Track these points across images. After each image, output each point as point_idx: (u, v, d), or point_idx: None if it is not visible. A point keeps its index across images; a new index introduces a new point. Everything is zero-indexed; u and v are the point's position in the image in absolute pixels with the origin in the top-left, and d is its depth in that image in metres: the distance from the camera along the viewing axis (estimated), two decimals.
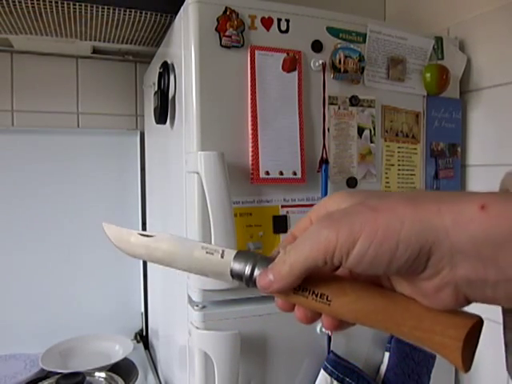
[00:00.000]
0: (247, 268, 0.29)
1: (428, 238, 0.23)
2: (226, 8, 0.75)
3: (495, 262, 0.22)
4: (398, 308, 0.26)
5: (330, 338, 0.81)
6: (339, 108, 0.85)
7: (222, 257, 0.31)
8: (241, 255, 0.30)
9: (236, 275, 0.30)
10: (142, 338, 1.29)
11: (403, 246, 0.23)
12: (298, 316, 0.29)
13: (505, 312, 0.24)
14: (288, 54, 0.79)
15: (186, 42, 0.77)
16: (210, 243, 0.71)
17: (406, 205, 0.24)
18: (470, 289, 0.24)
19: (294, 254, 0.27)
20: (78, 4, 0.87)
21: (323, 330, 0.81)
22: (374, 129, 0.89)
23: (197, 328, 0.74)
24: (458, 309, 0.26)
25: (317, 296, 0.27)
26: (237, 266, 0.30)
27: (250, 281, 0.29)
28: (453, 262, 0.24)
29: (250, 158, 0.76)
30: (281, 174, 0.78)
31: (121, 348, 1.14)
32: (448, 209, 0.23)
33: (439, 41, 0.98)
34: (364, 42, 0.87)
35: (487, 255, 0.22)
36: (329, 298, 0.27)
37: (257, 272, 0.29)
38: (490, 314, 0.33)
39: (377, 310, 0.26)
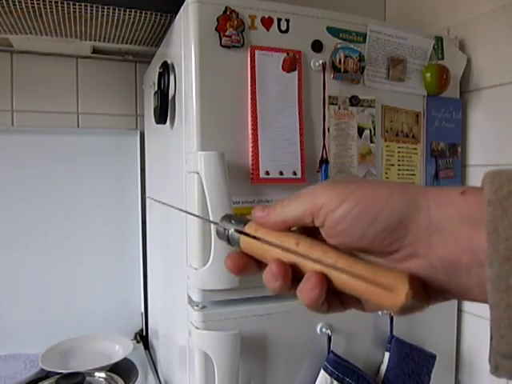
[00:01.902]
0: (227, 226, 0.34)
1: (411, 212, 0.25)
2: (226, 8, 0.75)
3: (469, 244, 0.24)
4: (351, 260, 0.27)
5: (330, 338, 0.81)
6: (339, 108, 0.85)
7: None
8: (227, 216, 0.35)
9: (219, 234, 0.34)
10: (142, 337, 1.29)
11: (386, 213, 0.25)
12: (229, 264, 0.32)
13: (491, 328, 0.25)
14: (288, 53, 0.79)
15: (186, 42, 0.77)
16: (210, 244, 0.71)
17: (397, 185, 0.27)
18: (446, 275, 0.25)
19: (289, 205, 0.29)
20: (77, 4, 0.87)
21: (323, 329, 0.82)
22: (374, 129, 0.89)
23: (197, 328, 0.74)
24: (430, 304, 0.27)
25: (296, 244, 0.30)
26: (218, 228, 0.34)
27: (229, 237, 0.33)
28: (429, 242, 0.25)
29: (250, 158, 0.76)
30: (281, 174, 0.78)
31: (121, 348, 1.14)
32: (433, 192, 0.26)
33: (439, 41, 0.98)
34: (364, 41, 0.87)
35: (462, 236, 0.24)
36: (299, 244, 0.29)
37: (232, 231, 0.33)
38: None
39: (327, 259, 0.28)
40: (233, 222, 0.34)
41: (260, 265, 0.32)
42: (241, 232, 0.32)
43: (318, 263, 0.27)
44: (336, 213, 0.27)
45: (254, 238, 0.31)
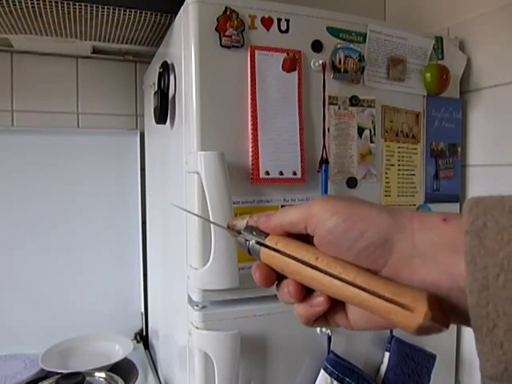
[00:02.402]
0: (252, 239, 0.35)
1: (396, 233, 0.27)
2: (226, 8, 0.75)
3: (449, 269, 0.25)
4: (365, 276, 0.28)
5: (330, 338, 0.81)
6: (339, 108, 0.85)
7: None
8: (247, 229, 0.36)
9: (241, 242, 0.36)
10: (142, 337, 1.29)
11: (373, 230, 0.27)
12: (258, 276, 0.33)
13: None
14: (288, 53, 0.79)
15: (186, 42, 0.77)
16: (210, 244, 0.71)
17: (386, 207, 0.29)
18: None
19: (287, 211, 0.32)
20: (77, 4, 0.87)
21: (323, 329, 0.81)
22: (374, 129, 0.89)
23: (197, 328, 0.74)
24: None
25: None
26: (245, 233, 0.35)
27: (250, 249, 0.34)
28: (412, 264, 0.27)
29: (250, 158, 0.76)
30: (281, 173, 0.78)
31: (121, 348, 1.14)
32: (418, 217, 0.27)
33: (439, 41, 0.98)
34: (364, 41, 0.87)
35: (442, 261, 0.26)
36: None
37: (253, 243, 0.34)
38: None
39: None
40: (254, 233, 0.34)
41: (278, 276, 0.33)
42: (262, 244, 0.33)
43: (337, 279, 0.28)
44: (326, 224, 0.29)
45: (275, 250, 0.32)
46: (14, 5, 0.87)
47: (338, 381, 0.79)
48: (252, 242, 0.34)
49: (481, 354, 0.23)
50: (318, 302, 0.30)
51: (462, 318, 0.25)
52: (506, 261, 0.22)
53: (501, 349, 0.22)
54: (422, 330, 0.24)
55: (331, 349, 0.81)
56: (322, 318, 0.32)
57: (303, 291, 0.31)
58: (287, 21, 0.80)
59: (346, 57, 0.83)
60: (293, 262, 0.30)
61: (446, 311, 0.26)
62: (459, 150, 1.02)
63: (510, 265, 0.22)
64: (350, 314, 0.31)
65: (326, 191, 0.81)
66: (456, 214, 0.27)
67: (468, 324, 0.25)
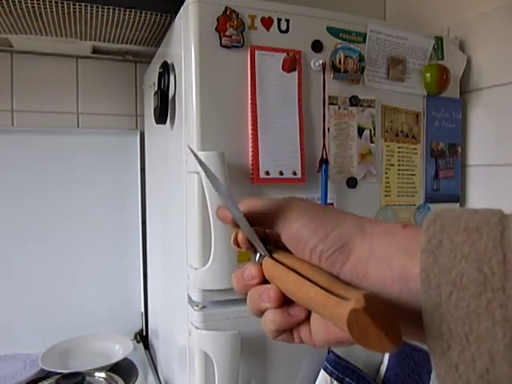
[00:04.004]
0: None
1: (356, 237, 0.28)
2: (226, 8, 0.75)
3: (402, 271, 0.25)
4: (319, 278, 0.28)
5: None
6: (339, 108, 0.85)
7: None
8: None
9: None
10: (142, 337, 1.29)
11: (337, 232, 0.28)
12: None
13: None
14: (288, 54, 0.79)
15: (186, 42, 0.77)
16: (210, 244, 0.71)
17: (353, 214, 0.30)
18: None
19: (264, 200, 0.33)
20: (77, 4, 0.87)
21: None
22: (374, 129, 0.89)
23: (197, 328, 0.74)
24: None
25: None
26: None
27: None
28: (367, 267, 0.27)
29: (250, 158, 0.76)
30: (281, 173, 0.78)
31: (121, 348, 1.14)
32: (380, 224, 0.29)
33: (439, 41, 0.98)
34: (364, 41, 0.87)
35: (396, 263, 0.26)
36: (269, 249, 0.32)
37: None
38: None
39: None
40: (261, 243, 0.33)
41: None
42: (270, 256, 0.32)
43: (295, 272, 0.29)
44: (295, 223, 0.30)
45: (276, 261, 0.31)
46: (14, 5, 0.87)
47: (338, 381, 0.79)
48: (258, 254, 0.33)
49: (437, 376, 0.22)
50: (299, 311, 0.30)
51: (416, 329, 0.24)
52: (459, 278, 0.22)
53: (456, 372, 0.21)
54: (353, 321, 0.23)
55: (331, 349, 0.81)
56: (288, 332, 0.31)
57: (283, 298, 0.30)
58: (287, 21, 0.80)
59: (345, 57, 0.83)
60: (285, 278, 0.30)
61: (392, 326, 0.23)
62: (459, 150, 1.02)
63: (462, 282, 0.22)
64: (313, 327, 0.30)
65: (325, 191, 0.81)
66: (415, 224, 0.28)
67: (422, 338, 0.24)
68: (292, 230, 0.30)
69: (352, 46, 0.85)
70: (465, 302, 0.21)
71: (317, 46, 0.82)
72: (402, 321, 0.24)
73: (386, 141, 0.91)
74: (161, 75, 0.88)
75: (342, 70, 0.83)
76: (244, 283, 0.32)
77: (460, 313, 0.22)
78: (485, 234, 0.22)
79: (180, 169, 0.82)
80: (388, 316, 0.23)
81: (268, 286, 0.31)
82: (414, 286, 0.24)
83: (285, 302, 0.30)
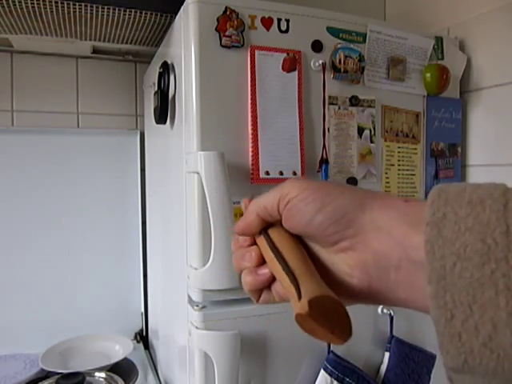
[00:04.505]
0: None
1: (356, 209, 0.28)
2: (226, 8, 0.75)
3: (402, 240, 0.26)
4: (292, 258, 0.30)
5: None
6: (339, 108, 0.85)
7: None
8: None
9: None
10: (142, 337, 1.29)
11: (334, 205, 0.29)
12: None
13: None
14: (288, 54, 0.79)
15: (186, 42, 0.77)
16: (210, 244, 0.71)
17: (351, 187, 0.31)
18: (376, 269, 0.28)
19: (264, 196, 0.33)
20: (77, 4, 0.87)
21: None
22: (374, 129, 0.89)
23: (197, 328, 0.74)
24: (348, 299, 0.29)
25: (266, 233, 0.33)
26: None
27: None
28: (367, 237, 0.28)
29: (250, 158, 0.76)
30: (281, 173, 0.78)
31: (121, 348, 1.14)
32: (381, 197, 0.29)
33: (439, 41, 0.98)
34: (364, 41, 0.87)
35: (397, 233, 0.26)
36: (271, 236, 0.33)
37: None
38: None
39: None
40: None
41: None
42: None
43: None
44: (296, 198, 0.30)
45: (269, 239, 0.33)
46: (14, 5, 0.87)
47: (338, 381, 0.79)
48: None
49: (441, 346, 0.23)
50: (265, 270, 0.33)
51: (414, 297, 0.26)
52: (463, 249, 0.22)
53: (459, 340, 0.22)
54: (299, 321, 0.26)
55: (331, 349, 0.81)
56: (268, 290, 0.34)
57: (261, 261, 0.33)
58: (287, 21, 0.80)
59: (346, 57, 0.83)
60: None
61: (340, 323, 0.27)
62: (459, 150, 1.02)
63: (465, 254, 0.22)
64: None
65: None
66: (420, 200, 0.28)
67: (403, 303, 0.26)
68: (293, 204, 0.30)
69: (352, 45, 0.85)
70: (468, 273, 0.22)
71: (317, 46, 0.82)
72: (401, 290, 0.27)
73: (386, 141, 0.91)
74: (161, 75, 0.88)
75: (342, 70, 0.83)
76: (238, 245, 0.36)
77: (463, 283, 0.22)
78: (488, 206, 0.23)
79: (180, 169, 0.82)
80: (336, 315, 0.26)
81: (252, 247, 0.34)
82: (415, 255, 0.25)
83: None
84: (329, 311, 0.26)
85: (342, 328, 0.27)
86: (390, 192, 0.92)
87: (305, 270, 0.29)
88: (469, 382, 0.23)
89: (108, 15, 0.93)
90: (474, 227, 0.22)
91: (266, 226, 0.34)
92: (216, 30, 0.74)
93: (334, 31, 0.84)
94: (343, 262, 0.29)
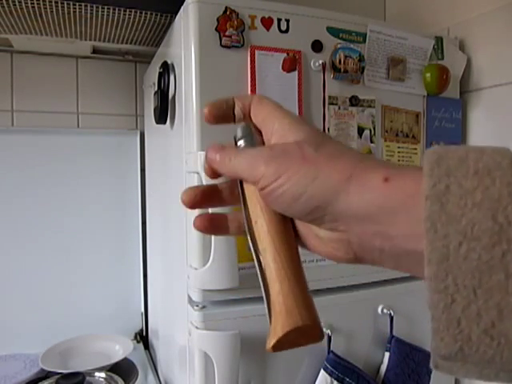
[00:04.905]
0: (239, 135, 0.34)
1: (328, 197, 0.26)
2: (226, 8, 0.75)
3: (384, 231, 0.25)
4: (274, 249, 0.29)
5: (330, 338, 0.81)
6: (339, 108, 0.85)
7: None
8: (245, 127, 0.34)
9: (234, 137, 0.34)
10: (142, 337, 1.29)
11: (305, 198, 0.27)
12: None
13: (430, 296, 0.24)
14: (288, 53, 0.79)
15: (186, 42, 0.77)
16: (210, 244, 0.71)
17: (328, 163, 0.27)
18: (361, 249, 0.27)
19: (238, 162, 0.31)
20: (77, 4, 0.87)
21: (323, 330, 0.81)
22: (374, 129, 0.89)
23: (197, 328, 0.74)
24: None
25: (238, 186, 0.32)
26: (238, 132, 0.34)
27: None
28: (347, 223, 0.26)
29: None
30: None
31: (121, 348, 1.14)
32: (357, 177, 0.26)
33: (439, 41, 0.98)
34: (364, 41, 0.87)
35: (378, 221, 0.25)
36: (245, 195, 0.32)
37: (240, 142, 0.33)
38: None
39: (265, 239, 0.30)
40: (248, 137, 0.33)
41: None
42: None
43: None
44: (269, 187, 0.28)
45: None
46: (14, 5, 0.87)
47: (338, 381, 0.79)
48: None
49: (435, 332, 0.21)
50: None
51: (404, 267, 0.26)
52: (470, 228, 0.20)
53: (458, 327, 0.21)
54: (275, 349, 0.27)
55: (331, 349, 0.81)
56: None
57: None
58: (287, 21, 0.80)
59: (345, 57, 0.83)
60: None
61: (310, 337, 0.27)
62: None
63: (473, 233, 0.20)
64: None
65: None
66: (399, 168, 0.25)
67: (409, 272, 0.25)
68: (267, 193, 0.29)
69: (352, 45, 0.85)
70: (476, 254, 0.20)
71: (317, 46, 0.82)
72: (389, 263, 0.26)
73: (385, 141, 0.91)
74: (161, 75, 0.88)
75: (342, 69, 0.83)
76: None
77: (470, 265, 0.20)
78: (498, 178, 0.20)
79: (180, 169, 0.82)
80: (305, 333, 0.26)
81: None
82: (399, 243, 0.24)
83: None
84: (297, 336, 0.26)
85: (311, 338, 0.27)
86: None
87: (284, 284, 0.28)
88: (457, 369, 0.22)
89: (108, 15, 0.93)
90: (484, 203, 0.20)
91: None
92: (216, 30, 0.74)
93: (333, 31, 0.84)
94: (328, 238, 0.28)
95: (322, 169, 0.27)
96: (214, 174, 0.33)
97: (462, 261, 0.20)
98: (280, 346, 0.26)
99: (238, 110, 0.35)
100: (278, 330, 0.26)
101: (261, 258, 0.29)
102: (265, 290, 0.28)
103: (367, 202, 0.25)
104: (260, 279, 0.29)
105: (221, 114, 0.36)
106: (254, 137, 0.33)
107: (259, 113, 0.35)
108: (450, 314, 0.21)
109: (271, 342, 0.26)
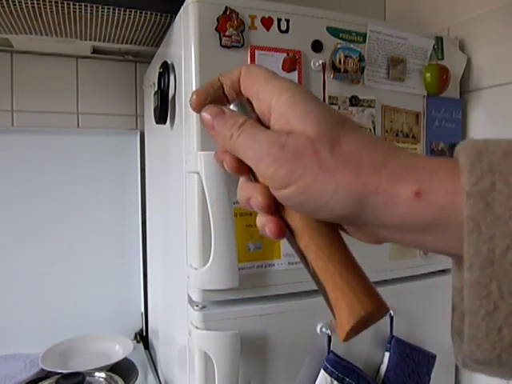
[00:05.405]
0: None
1: (355, 210, 0.24)
2: (226, 8, 0.75)
3: (415, 244, 0.24)
4: (321, 252, 0.27)
5: (330, 338, 0.81)
6: (339, 108, 0.85)
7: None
8: (239, 105, 0.31)
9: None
10: (142, 337, 1.29)
11: (327, 209, 0.24)
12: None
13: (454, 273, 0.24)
14: (288, 53, 0.79)
15: (186, 42, 0.77)
16: (210, 244, 0.71)
17: (349, 172, 0.24)
18: (390, 241, 0.26)
19: (242, 145, 0.27)
20: (77, 4, 0.87)
21: (323, 329, 0.81)
22: (374, 129, 0.89)
23: (197, 328, 0.74)
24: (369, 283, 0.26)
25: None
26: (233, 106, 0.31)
27: None
28: (375, 231, 0.25)
29: None
30: None
31: (121, 348, 1.14)
32: (384, 190, 0.23)
33: (439, 41, 0.98)
34: (364, 41, 0.87)
35: (408, 237, 0.23)
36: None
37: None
38: None
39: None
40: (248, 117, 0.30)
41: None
42: None
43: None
44: (280, 193, 0.25)
45: None
46: (14, 5, 0.87)
47: (338, 381, 0.79)
48: None
49: (471, 338, 0.20)
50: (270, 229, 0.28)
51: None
52: None
53: (498, 334, 0.19)
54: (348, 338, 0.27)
55: (331, 349, 0.81)
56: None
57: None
58: (287, 21, 0.80)
59: (345, 57, 0.83)
60: None
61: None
62: None
63: None
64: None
65: None
66: (432, 178, 0.22)
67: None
68: (281, 197, 0.26)
69: (352, 45, 0.85)
70: None
71: (317, 46, 0.82)
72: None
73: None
74: (161, 75, 0.88)
75: (342, 69, 0.83)
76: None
77: None
78: None
79: (180, 169, 0.82)
80: (370, 316, 0.26)
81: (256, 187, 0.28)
82: (435, 250, 0.23)
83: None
84: (364, 321, 0.26)
85: (378, 315, 0.27)
86: None
87: (337, 280, 0.27)
88: (490, 372, 0.21)
89: (108, 15, 0.93)
90: None
91: None
92: (216, 30, 0.74)
93: (333, 31, 0.84)
94: (355, 232, 0.27)
95: (341, 179, 0.24)
96: (238, 165, 0.29)
97: (509, 266, 0.19)
98: (350, 335, 0.26)
99: (227, 89, 0.31)
100: (344, 325, 0.26)
101: (306, 256, 0.28)
102: (320, 288, 0.27)
103: (398, 217, 0.23)
104: (311, 277, 0.28)
105: (210, 98, 0.31)
106: (250, 115, 0.30)
107: (249, 87, 0.30)
108: (492, 321, 0.20)
109: (341, 336, 0.26)
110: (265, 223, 0.28)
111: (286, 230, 0.28)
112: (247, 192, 0.28)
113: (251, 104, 0.30)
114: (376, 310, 0.26)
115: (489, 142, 0.21)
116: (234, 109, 0.31)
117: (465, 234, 0.20)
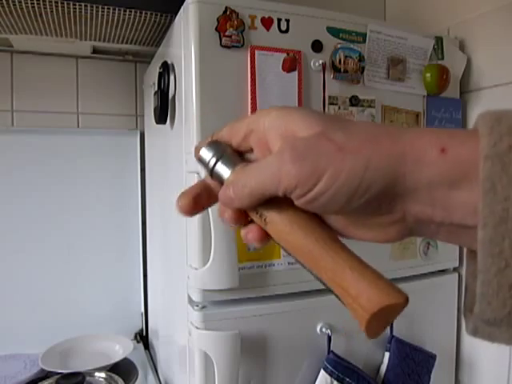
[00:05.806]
0: (212, 159, 0.30)
1: (387, 182, 0.23)
2: (226, 8, 0.75)
3: (444, 204, 0.23)
4: (326, 257, 0.26)
5: (330, 338, 0.81)
6: (339, 108, 0.85)
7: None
8: (212, 145, 0.30)
9: (202, 162, 0.31)
10: (142, 338, 1.29)
11: (362, 189, 0.23)
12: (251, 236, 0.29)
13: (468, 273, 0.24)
14: (288, 54, 0.79)
15: (186, 42, 0.77)
16: (210, 244, 0.71)
17: (372, 146, 0.24)
18: (416, 225, 0.25)
19: (255, 179, 0.26)
20: (77, 4, 0.87)
21: (323, 329, 0.81)
22: None
23: (197, 328, 0.74)
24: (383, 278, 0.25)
25: (257, 214, 0.28)
26: (204, 153, 0.30)
27: (212, 172, 0.30)
28: (404, 203, 0.24)
29: None
30: None
31: (121, 348, 1.14)
32: (410, 152, 0.23)
33: (439, 41, 0.98)
34: (364, 41, 0.87)
35: (438, 197, 0.23)
36: (267, 220, 0.28)
37: (219, 165, 0.29)
38: None
39: (303, 250, 0.27)
40: (224, 155, 0.29)
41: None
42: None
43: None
44: (310, 193, 0.24)
45: None
46: (14, 5, 0.87)
47: (338, 381, 0.79)
48: (219, 168, 0.29)
49: (482, 296, 0.21)
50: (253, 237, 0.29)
51: (455, 240, 0.24)
52: None
53: (509, 291, 0.20)
54: (369, 332, 0.25)
55: (331, 349, 0.81)
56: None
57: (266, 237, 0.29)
58: (287, 21, 0.80)
59: (345, 57, 0.83)
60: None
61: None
62: None
63: None
64: None
65: None
66: (454, 135, 0.23)
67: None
68: (309, 200, 0.25)
69: (352, 45, 0.85)
70: None
71: (317, 46, 0.82)
72: (442, 236, 0.25)
73: None
74: (161, 75, 0.88)
75: (342, 69, 0.83)
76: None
77: None
78: None
79: (180, 169, 0.82)
80: (388, 309, 0.24)
81: (251, 226, 0.29)
82: (458, 218, 0.23)
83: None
84: (383, 315, 0.24)
85: (398, 307, 0.25)
86: None
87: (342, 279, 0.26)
88: (500, 334, 0.21)
89: (108, 15, 0.93)
90: None
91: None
92: (216, 30, 0.74)
93: (333, 31, 0.84)
94: (378, 223, 0.26)
95: (367, 153, 0.23)
96: (239, 216, 0.29)
97: None
98: (374, 331, 0.25)
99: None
100: (362, 323, 0.25)
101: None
102: (333, 293, 0.27)
103: (427, 178, 0.23)
104: (322, 284, 0.27)
105: (205, 195, 0.31)
106: (225, 150, 0.29)
107: (237, 131, 0.29)
108: (503, 278, 0.20)
109: (365, 333, 0.25)
110: (247, 231, 0.29)
111: (268, 236, 0.28)
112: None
113: (221, 142, 0.30)
114: (391, 302, 0.25)
115: (508, 110, 0.21)
116: (207, 151, 0.30)
117: (481, 194, 0.20)
